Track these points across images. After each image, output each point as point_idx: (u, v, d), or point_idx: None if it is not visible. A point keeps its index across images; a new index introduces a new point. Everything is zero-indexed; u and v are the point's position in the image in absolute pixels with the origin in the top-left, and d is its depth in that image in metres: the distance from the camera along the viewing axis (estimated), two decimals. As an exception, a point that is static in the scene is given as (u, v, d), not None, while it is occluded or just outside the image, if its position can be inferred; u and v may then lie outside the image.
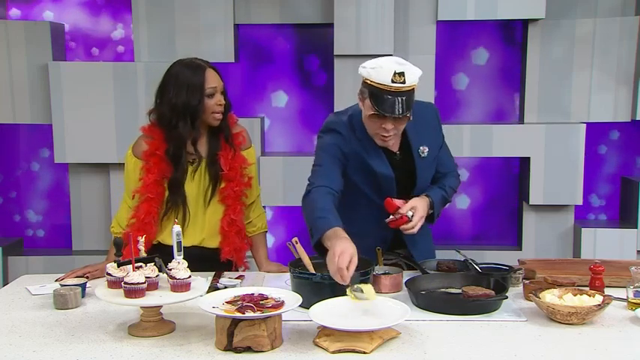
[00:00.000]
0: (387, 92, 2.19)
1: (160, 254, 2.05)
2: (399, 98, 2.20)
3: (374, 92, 2.21)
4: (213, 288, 2.18)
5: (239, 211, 2.53)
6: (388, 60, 2.22)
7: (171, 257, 1.95)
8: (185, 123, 2.39)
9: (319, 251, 2.15)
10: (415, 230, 2.34)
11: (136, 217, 2.47)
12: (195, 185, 2.49)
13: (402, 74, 2.18)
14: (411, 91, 2.22)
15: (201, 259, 2.31)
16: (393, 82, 2.17)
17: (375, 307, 1.88)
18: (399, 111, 2.21)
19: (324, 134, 2.43)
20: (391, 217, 2.35)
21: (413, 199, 2.38)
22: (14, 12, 4.19)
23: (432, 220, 2.48)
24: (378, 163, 2.38)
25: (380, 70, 2.19)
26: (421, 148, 2.44)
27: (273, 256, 4.27)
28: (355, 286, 1.93)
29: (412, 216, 2.32)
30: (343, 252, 1.95)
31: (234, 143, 2.51)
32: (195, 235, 2.50)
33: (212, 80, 2.42)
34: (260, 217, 2.68)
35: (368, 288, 1.91)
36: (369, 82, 2.23)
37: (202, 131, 2.48)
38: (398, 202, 2.35)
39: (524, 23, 3.97)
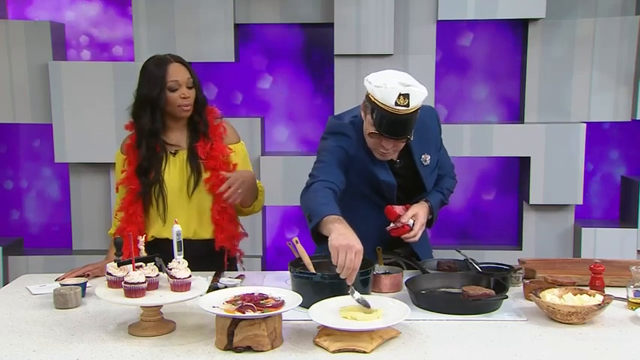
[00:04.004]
0: (390, 114, 2.14)
1: (157, 250, 2.06)
2: (402, 121, 2.16)
3: (376, 111, 2.17)
4: (213, 287, 2.18)
5: None
6: (393, 79, 2.15)
7: (166, 252, 1.95)
8: (145, 114, 2.46)
9: (315, 237, 2.12)
10: (417, 239, 2.35)
11: (123, 209, 2.52)
12: (177, 176, 2.51)
13: (406, 96, 2.12)
14: (414, 113, 2.17)
15: (197, 253, 2.30)
16: (396, 104, 2.12)
17: (374, 307, 1.88)
18: (400, 134, 2.20)
19: (329, 136, 2.39)
20: (392, 225, 2.36)
21: (413, 206, 2.38)
22: (14, 12, 4.19)
23: (431, 224, 2.49)
24: (382, 172, 2.37)
25: (384, 90, 2.13)
26: (423, 156, 2.42)
27: (274, 256, 4.28)
28: (360, 297, 1.90)
29: (413, 224, 2.33)
30: (351, 247, 1.90)
31: (213, 134, 2.54)
32: (187, 226, 2.50)
33: (175, 74, 2.45)
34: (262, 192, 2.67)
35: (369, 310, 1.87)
36: (372, 99, 2.18)
37: (173, 124, 2.53)
38: (398, 209, 2.36)
39: (525, 23, 3.97)
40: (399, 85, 2.13)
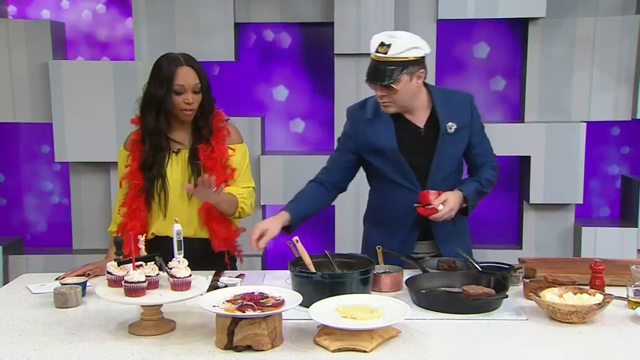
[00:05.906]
0: (371, 60, 2.37)
1: (157, 248, 2.07)
2: (381, 67, 2.33)
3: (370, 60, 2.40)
4: (213, 287, 2.18)
5: None
6: (385, 32, 2.41)
7: (167, 250, 1.95)
8: (150, 113, 2.47)
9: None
10: (440, 218, 2.39)
11: (125, 204, 2.53)
12: (179, 175, 2.52)
13: (387, 46, 2.32)
14: (396, 62, 2.31)
15: (197, 252, 2.30)
16: (377, 51, 2.34)
17: (375, 306, 1.88)
18: (377, 79, 2.34)
19: (346, 121, 2.61)
20: (420, 204, 2.42)
21: (446, 192, 2.43)
22: (15, 11, 4.19)
23: (467, 212, 2.52)
24: (383, 136, 2.47)
25: (372, 40, 2.39)
26: (449, 124, 2.49)
27: (274, 255, 4.27)
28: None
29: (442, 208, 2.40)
30: (256, 227, 2.29)
31: (216, 138, 2.53)
32: (188, 225, 2.50)
33: (182, 78, 2.44)
34: (246, 198, 2.59)
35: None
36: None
37: (177, 124, 2.53)
38: (432, 194, 2.40)
39: (525, 22, 3.96)
40: (384, 35, 2.37)
